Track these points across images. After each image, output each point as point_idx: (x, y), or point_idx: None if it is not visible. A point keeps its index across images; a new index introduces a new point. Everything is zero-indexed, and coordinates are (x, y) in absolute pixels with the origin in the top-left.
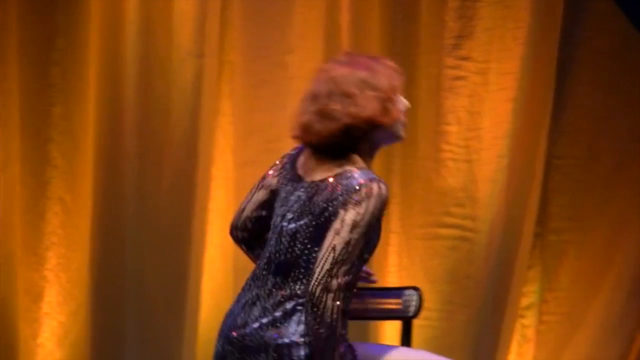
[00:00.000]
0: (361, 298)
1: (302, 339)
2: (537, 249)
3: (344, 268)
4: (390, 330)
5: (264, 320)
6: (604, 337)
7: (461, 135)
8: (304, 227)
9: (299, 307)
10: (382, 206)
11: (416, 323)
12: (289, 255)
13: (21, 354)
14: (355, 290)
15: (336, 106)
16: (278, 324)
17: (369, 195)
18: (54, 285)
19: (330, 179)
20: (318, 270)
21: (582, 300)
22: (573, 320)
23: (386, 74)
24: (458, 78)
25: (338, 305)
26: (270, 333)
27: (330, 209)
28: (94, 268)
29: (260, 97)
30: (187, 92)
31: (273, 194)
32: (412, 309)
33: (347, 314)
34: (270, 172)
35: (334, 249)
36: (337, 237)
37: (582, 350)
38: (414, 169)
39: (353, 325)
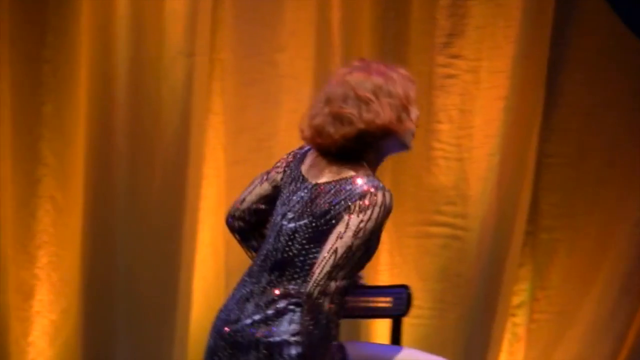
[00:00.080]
0: (351, 296)
1: (294, 338)
2: (528, 247)
3: (342, 272)
4: (381, 329)
5: (256, 318)
6: (596, 335)
7: (452, 134)
8: (304, 227)
9: (291, 307)
10: (386, 215)
11: (408, 321)
12: (285, 255)
13: (12, 352)
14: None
15: (351, 110)
16: (269, 322)
17: (374, 203)
18: (45, 283)
19: (335, 183)
20: (318, 271)
21: (573, 299)
22: (564, 319)
23: (401, 82)
24: (449, 76)
25: (333, 308)
26: (262, 331)
27: (333, 212)
28: (85, 266)
29: (251, 95)
30: (178, 90)
31: (275, 189)
32: (402, 307)
33: (340, 317)
34: (276, 168)
35: (335, 252)
36: (339, 240)
37: (573, 348)
38: (405, 167)
39: (344, 323)
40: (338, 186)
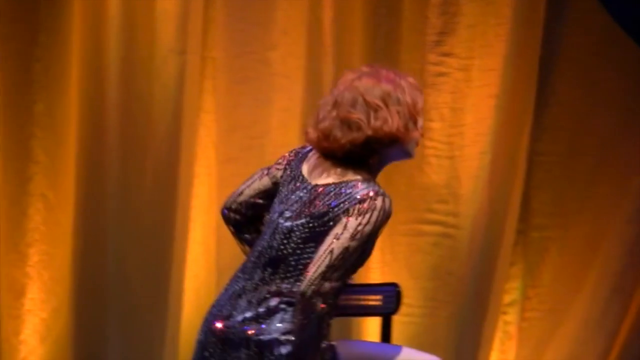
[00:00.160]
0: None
1: (284, 337)
2: (520, 246)
3: (337, 273)
4: (372, 327)
5: (248, 315)
6: (587, 333)
7: (444, 132)
8: (301, 227)
9: (283, 306)
10: (385, 220)
11: (399, 320)
12: (280, 253)
13: (3, 350)
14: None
15: (360, 116)
16: (261, 320)
17: (373, 208)
18: (36, 282)
19: (335, 186)
20: (313, 270)
21: (564, 297)
22: (555, 317)
23: (410, 91)
24: (440, 74)
25: (325, 309)
26: (253, 328)
27: (331, 214)
28: (76, 265)
29: (243, 93)
30: (170, 88)
31: (275, 185)
32: (392, 305)
33: (332, 317)
34: (277, 164)
35: (331, 252)
36: (336, 241)
37: (564, 347)
38: (397, 166)
39: (334, 321)
40: (338, 189)
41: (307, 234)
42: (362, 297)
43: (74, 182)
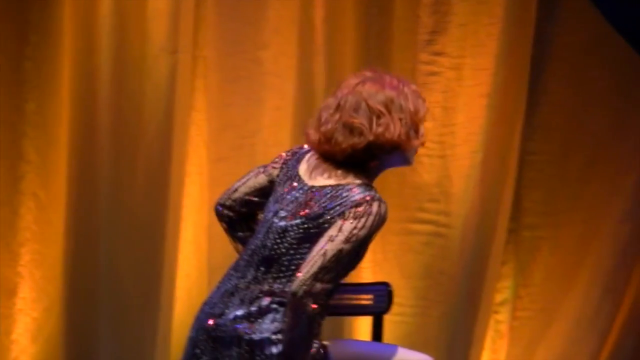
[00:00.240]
0: None
1: (275, 337)
2: (511, 245)
3: (329, 275)
4: (363, 326)
5: (239, 313)
6: (578, 333)
7: (435, 131)
8: (295, 227)
9: (274, 306)
10: (380, 225)
11: (390, 319)
12: (273, 252)
13: None
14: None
15: (362, 121)
16: (252, 319)
17: (369, 212)
18: (28, 281)
19: (332, 188)
20: (305, 270)
21: (556, 296)
22: (547, 316)
23: (413, 99)
24: (432, 74)
25: (317, 309)
26: (244, 327)
27: (326, 216)
28: (67, 264)
29: (235, 92)
30: (161, 88)
31: (271, 184)
32: (383, 304)
33: (323, 317)
34: (273, 163)
35: (325, 254)
36: (330, 243)
37: (556, 346)
38: None
39: (325, 320)
40: (335, 192)
41: (302, 235)
42: (353, 296)
43: (65, 181)
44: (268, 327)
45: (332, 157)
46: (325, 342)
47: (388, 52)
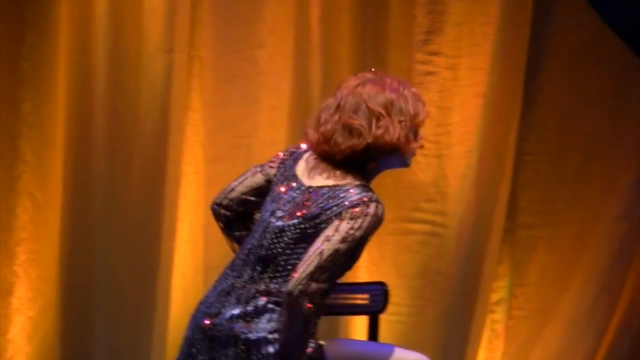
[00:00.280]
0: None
1: (272, 336)
2: (507, 244)
3: (325, 275)
4: (359, 325)
5: (236, 312)
6: (574, 332)
7: (431, 131)
8: (292, 227)
9: (271, 306)
10: (376, 226)
11: (386, 318)
12: (270, 252)
13: None
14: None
15: (362, 122)
16: (248, 319)
17: (366, 213)
18: (24, 281)
19: (330, 189)
20: (301, 270)
21: (551, 295)
22: (543, 316)
23: (413, 102)
24: (428, 73)
25: (312, 309)
26: (241, 326)
27: (323, 216)
28: (63, 264)
29: (231, 92)
30: (157, 87)
31: (267, 183)
32: (379, 304)
33: (319, 317)
34: (270, 162)
35: (321, 253)
36: (327, 243)
37: (551, 345)
38: None
39: (321, 320)
40: (332, 192)
41: (298, 235)
42: (349, 296)
43: (61, 181)
44: (264, 326)
45: (331, 157)
46: (321, 342)
47: (384, 51)
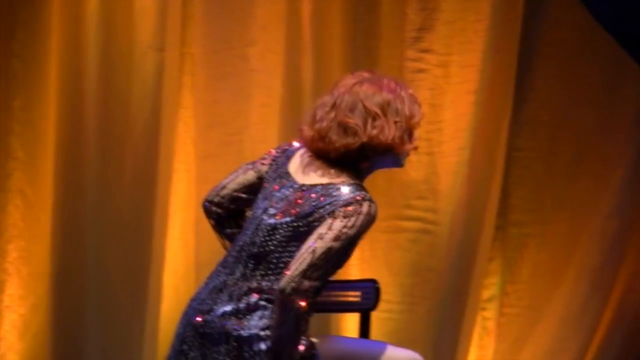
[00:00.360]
0: None
1: (264, 333)
2: (498, 241)
3: (317, 273)
4: (351, 323)
5: (227, 309)
6: (565, 330)
7: (423, 128)
8: (284, 225)
9: (263, 303)
10: (369, 225)
11: (378, 316)
12: (262, 249)
13: None
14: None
15: (357, 121)
16: (240, 316)
17: (359, 212)
18: (15, 278)
19: (323, 187)
20: (294, 267)
21: (543, 293)
22: (534, 313)
23: (409, 103)
24: (419, 71)
25: (304, 306)
26: (232, 323)
27: (316, 215)
28: (54, 261)
29: (222, 89)
30: (148, 85)
31: (259, 180)
32: (370, 301)
33: (311, 314)
34: (262, 159)
35: (314, 251)
36: (319, 241)
37: (543, 343)
38: None
39: (313, 317)
40: (325, 190)
41: (291, 233)
42: (341, 293)
43: (52, 179)
44: (256, 323)
45: (325, 155)
46: (313, 339)
47: (375, 49)
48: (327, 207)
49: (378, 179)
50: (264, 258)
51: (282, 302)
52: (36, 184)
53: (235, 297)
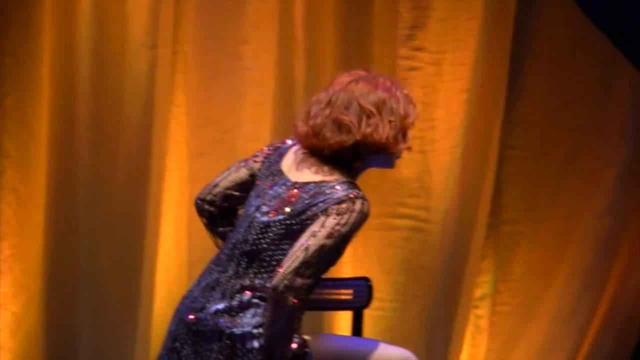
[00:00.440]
0: None
1: (256, 331)
2: (491, 240)
3: (310, 270)
4: (343, 321)
5: (220, 307)
6: (557, 328)
7: (415, 126)
8: (277, 223)
9: (255, 301)
10: (361, 223)
11: (370, 314)
12: (254, 247)
13: None
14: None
15: (352, 119)
16: (233, 313)
17: (352, 210)
18: (7, 276)
19: (316, 185)
20: (287, 265)
21: (535, 291)
22: (526, 311)
23: (404, 103)
24: (412, 69)
25: (297, 304)
26: (225, 321)
27: (309, 213)
28: (47, 259)
29: (214, 87)
30: (141, 83)
31: (252, 178)
32: (362, 299)
33: (303, 312)
34: (254, 157)
35: (307, 249)
36: (312, 239)
37: (535, 341)
38: None
39: (305, 315)
40: (318, 188)
41: (284, 231)
42: (333, 291)
43: (45, 177)
44: (249, 321)
45: (319, 152)
46: (305, 337)
47: (368, 47)
48: (320, 204)
49: (371, 177)
50: (256, 256)
51: (275, 299)
52: (29, 182)
53: (228, 294)
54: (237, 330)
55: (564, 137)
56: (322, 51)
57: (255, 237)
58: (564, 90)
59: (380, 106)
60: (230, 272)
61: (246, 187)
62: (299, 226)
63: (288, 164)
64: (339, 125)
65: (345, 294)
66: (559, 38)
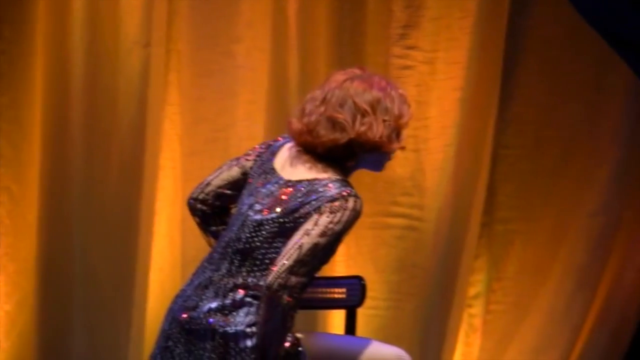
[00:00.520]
0: None
1: (250, 329)
2: (484, 238)
3: (304, 269)
4: (337, 319)
5: (213, 305)
6: (551, 327)
7: (409, 125)
8: (270, 221)
9: (248, 299)
10: (354, 221)
11: (364, 312)
12: (247, 246)
13: None
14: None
15: (346, 117)
16: (226, 312)
17: (345, 207)
18: (1, 275)
19: (309, 183)
20: (281, 263)
21: (528, 290)
22: (520, 310)
23: (399, 103)
24: (405, 67)
25: (291, 302)
26: (218, 320)
27: (302, 211)
28: (41, 258)
29: (208, 86)
30: (134, 81)
31: (244, 176)
32: (356, 298)
33: (297, 310)
34: (246, 155)
35: (300, 247)
36: (306, 237)
37: (528, 340)
38: None
39: (299, 314)
40: (311, 186)
41: (277, 229)
42: (326, 289)
43: (38, 175)
44: (242, 320)
45: (312, 149)
46: (298, 335)
47: (361, 45)
48: (313, 202)
49: (364, 175)
50: (249, 254)
51: (269, 298)
52: (22, 181)
53: (221, 293)
54: (230, 329)
55: (557, 135)
56: (316, 50)
57: (248, 235)
58: (558, 90)
59: (375, 105)
60: (224, 270)
61: (238, 185)
62: (292, 224)
63: (281, 161)
64: (333, 123)
65: (339, 293)
66: (552, 37)
